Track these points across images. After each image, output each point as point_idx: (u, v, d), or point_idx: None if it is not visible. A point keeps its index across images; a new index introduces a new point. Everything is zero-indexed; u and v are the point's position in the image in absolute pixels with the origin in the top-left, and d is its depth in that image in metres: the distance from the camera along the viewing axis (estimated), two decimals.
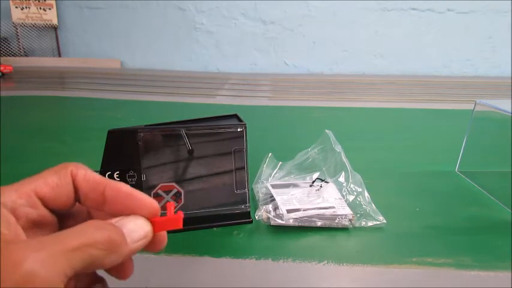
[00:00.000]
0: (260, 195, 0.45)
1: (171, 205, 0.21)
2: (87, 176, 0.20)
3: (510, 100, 0.50)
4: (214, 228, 0.40)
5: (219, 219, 0.40)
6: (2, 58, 1.66)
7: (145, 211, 0.20)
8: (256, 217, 0.41)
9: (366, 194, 0.45)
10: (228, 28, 1.76)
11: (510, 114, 0.46)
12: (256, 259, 0.35)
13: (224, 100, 1.09)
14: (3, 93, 1.08)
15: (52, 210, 0.20)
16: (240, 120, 0.41)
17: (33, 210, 0.19)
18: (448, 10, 1.68)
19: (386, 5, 1.69)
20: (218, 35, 1.77)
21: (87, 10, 1.77)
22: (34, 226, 0.19)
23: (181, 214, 0.21)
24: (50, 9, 1.73)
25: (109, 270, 0.20)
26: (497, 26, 1.68)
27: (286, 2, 1.70)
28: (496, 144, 0.54)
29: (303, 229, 0.40)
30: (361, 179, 0.47)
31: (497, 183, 0.54)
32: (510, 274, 0.34)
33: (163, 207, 0.21)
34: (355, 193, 0.45)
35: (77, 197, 0.21)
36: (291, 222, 0.39)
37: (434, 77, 1.67)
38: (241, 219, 0.41)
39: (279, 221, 0.40)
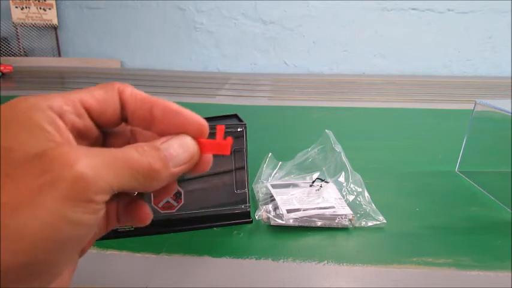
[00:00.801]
0: (260, 195, 0.45)
1: (222, 128, 0.20)
2: (135, 92, 0.20)
3: (510, 100, 0.50)
4: (214, 228, 0.40)
5: (219, 219, 0.40)
6: (2, 58, 1.66)
7: (193, 129, 0.20)
8: (256, 217, 0.41)
9: (366, 194, 0.45)
10: (228, 28, 1.76)
11: (510, 114, 0.46)
12: (256, 259, 0.35)
13: (224, 100, 1.09)
14: (3, 93, 1.08)
15: (97, 125, 0.20)
16: (240, 120, 0.41)
17: (79, 120, 0.18)
18: (448, 10, 1.68)
19: (386, 5, 1.69)
20: (218, 35, 1.77)
21: (87, 10, 1.77)
22: (79, 137, 0.19)
23: (230, 140, 0.20)
24: (50, 9, 1.73)
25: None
26: (497, 26, 1.68)
27: (286, 2, 1.70)
28: (496, 144, 0.54)
29: (303, 229, 0.40)
30: (361, 179, 0.47)
31: (497, 183, 0.54)
32: (510, 274, 0.34)
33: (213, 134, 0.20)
34: (355, 193, 0.45)
35: (124, 115, 0.20)
36: (291, 222, 0.39)
37: (434, 77, 1.67)
38: (241, 219, 0.41)
39: (279, 221, 0.40)
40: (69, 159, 0.15)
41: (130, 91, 0.20)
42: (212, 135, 0.20)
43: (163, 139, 0.19)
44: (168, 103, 0.20)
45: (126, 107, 0.20)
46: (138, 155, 0.17)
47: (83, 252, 0.20)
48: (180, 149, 0.19)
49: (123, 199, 0.21)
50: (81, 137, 0.19)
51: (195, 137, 0.20)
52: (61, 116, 0.18)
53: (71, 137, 0.18)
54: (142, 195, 0.22)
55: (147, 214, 0.21)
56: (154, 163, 0.17)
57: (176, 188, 0.21)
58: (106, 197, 0.16)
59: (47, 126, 0.16)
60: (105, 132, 0.21)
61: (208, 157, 0.21)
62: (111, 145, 0.19)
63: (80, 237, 0.16)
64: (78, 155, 0.15)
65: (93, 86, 0.20)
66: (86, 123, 0.19)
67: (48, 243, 0.14)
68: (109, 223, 0.21)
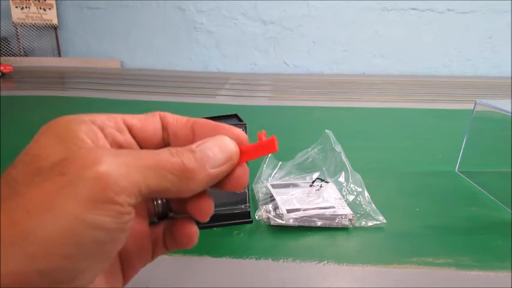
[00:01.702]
0: (260, 195, 0.45)
1: (263, 133, 0.20)
2: (176, 116, 0.20)
3: (510, 100, 0.50)
4: (214, 228, 0.40)
5: (219, 219, 0.40)
6: (2, 58, 1.66)
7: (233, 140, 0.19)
8: (256, 217, 0.41)
9: (366, 194, 0.45)
10: (228, 28, 1.76)
11: (510, 114, 0.46)
12: (256, 259, 0.35)
13: (224, 100, 1.09)
14: (3, 93, 1.08)
15: (139, 145, 0.20)
16: (240, 120, 0.41)
17: (120, 134, 0.18)
18: (448, 10, 1.68)
19: (386, 5, 1.69)
20: (218, 35, 1.77)
21: (87, 10, 1.77)
22: None
23: (274, 138, 0.20)
24: (50, 9, 1.73)
25: (187, 208, 0.19)
26: (497, 26, 1.68)
27: (286, 2, 1.70)
28: (496, 144, 0.54)
29: (303, 229, 0.40)
30: (361, 179, 0.47)
31: (497, 183, 0.54)
32: (510, 274, 0.34)
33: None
34: (355, 193, 0.45)
35: (166, 139, 0.20)
36: (291, 222, 0.39)
37: (434, 77, 1.67)
38: (241, 219, 0.41)
39: (279, 221, 0.40)
40: (90, 159, 0.14)
41: (172, 115, 0.20)
42: None
43: (200, 142, 0.18)
44: (207, 120, 0.20)
45: (169, 127, 0.20)
46: (170, 155, 0.16)
47: (126, 278, 0.20)
48: (216, 149, 0.18)
49: (170, 224, 0.21)
50: None
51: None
52: (102, 129, 0.18)
53: (107, 145, 0.18)
54: (189, 217, 0.21)
55: (192, 232, 0.20)
56: (189, 163, 0.17)
57: (212, 208, 0.20)
58: (132, 200, 0.15)
59: (82, 135, 0.16)
60: None
61: (245, 172, 0.19)
62: None
63: (102, 243, 0.15)
64: (100, 155, 0.15)
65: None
66: (127, 138, 0.19)
67: (66, 249, 0.13)
68: (155, 249, 0.21)
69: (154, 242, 0.21)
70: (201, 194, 0.19)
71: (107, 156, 0.15)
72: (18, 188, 0.14)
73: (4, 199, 0.14)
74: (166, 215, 0.21)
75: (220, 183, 0.19)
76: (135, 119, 0.19)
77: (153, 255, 0.21)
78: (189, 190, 0.17)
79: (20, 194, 0.14)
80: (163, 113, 0.20)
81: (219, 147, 0.18)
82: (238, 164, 0.19)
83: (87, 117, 0.17)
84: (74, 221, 0.13)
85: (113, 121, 0.18)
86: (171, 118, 0.20)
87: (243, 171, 0.19)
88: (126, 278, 0.20)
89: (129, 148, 0.19)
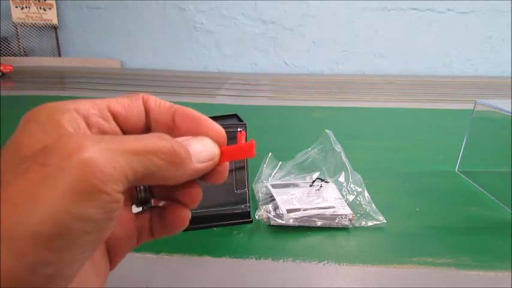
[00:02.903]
0: (260, 195, 0.45)
1: (242, 134, 0.20)
2: (158, 101, 0.20)
3: (510, 100, 0.50)
4: (214, 228, 0.40)
5: (219, 219, 0.40)
6: (2, 58, 1.66)
7: (211, 136, 0.19)
8: (256, 217, 0.41)
9: (366, 193, 0.45)
10: (228, 28, 1.76)
11: (510, 114, 0.46)
12: (256, 259, 0.35)
13: (224, 100, 1.09)
14: (3, 93, 1.08)
15: (123, 131, 0.19)
16: (240, 120, 0.41)
17: (105, 123, 0.18)
18: (448, 10, 1.68)
19: (386, 5, 1.69)
20: (218, 35, 1.77)
21: (87, 10, 1.77)
22: None
23: (253, 142, 0.20)
24: (50, 9, 1.73)
25: (176, 194, 0.20)
26: (497, 26, 1.68)
27: (286, 2, 1.70)
28: (496, 144, 0.54)
29: (303, 229, 0.40)
30: (361, 179, 0.47)
31: (497, 183, 0.54)
32: (510, 274, 0.34)
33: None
34: (355, 193, 0.45)
35: (148, 123, 0.20)
36: (291, 222, 0.39)
37: (434, 77, 1.67)
38: (241, 219, 0.41)
39: (279, 221, 0.40)
40: (72, 147, 0.14)
41: (155, 99, 0.20)
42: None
43: (183, 138, 0.19)
44: (188, 110, 0.20)
45: (150, 114, 0.20)
46: (158, 139, 0.16)
47: (113, 263, 0.20)
48: (201, 147, 0.18)
49: (156, 211, 0.21)
50: None
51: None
52: (87, 118, 0.17)
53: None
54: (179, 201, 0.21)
55: (184, 214, 0.20)
56: (178, 148, 0.16)
57: (201, 195, 0.20)
58: (119, 187, 0.14)
59: (64, 123, 0.16)
60: None
61: (225, 165, 0.20)
62: None
63: (89, 233, 0.14)
64: (83, 141, 0.14)
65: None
66: (112, 126, 0.19)
67: (52, 241, 0.13)
68: (141, 236, 0.20)
69: (141, 228, 0.20)
70: (191, 181, 0.19)
71: (89, 142, 0.14)
72: (4, 179, 0.14)
73: None
74: (148, 200, 0.21)
75: (201, 176, 0.19)
76: (119, 105, 0.19)
77: (138, 242, 0.21)
78: (174, 177, 0.17)
79: (6, 186, 0.14)
80: (146, 96, 0.20)
81: (203, 145, 0.19)
82: (219, 164, 0.19)
83: (71, 104, 0.17)
84: (59, 213, 0.13)
85: (97, 108, 0.18)
86: (153, 103, 0.20)
87: (223, 167, 0.20)
88: (112, 263, 0.20)
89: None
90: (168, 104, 0.20)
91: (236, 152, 0.20)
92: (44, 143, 0.15)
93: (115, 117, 0.19)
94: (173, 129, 0.20)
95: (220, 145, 0.20)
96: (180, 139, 0.18)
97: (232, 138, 0.39)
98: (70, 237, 0.13)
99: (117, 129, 0.19)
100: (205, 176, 0.19)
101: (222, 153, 0.19)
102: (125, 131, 0.19)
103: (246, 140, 0.20)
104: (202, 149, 0.18)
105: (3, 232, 0.13)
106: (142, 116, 0.20)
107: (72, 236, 0.13)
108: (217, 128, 0.20)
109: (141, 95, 0.20)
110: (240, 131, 0.20)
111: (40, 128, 0.16)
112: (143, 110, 0.20)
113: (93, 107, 0.18)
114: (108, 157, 0.14)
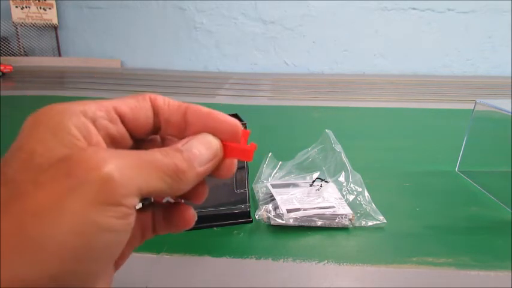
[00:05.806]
0: (260, 194, 0.45)
1: (247, 133, 0.20)
2: (167, 100, 0.19)
3: (510, 100, 0.50)
4: (214, 228, 0.40)
5: (219, 219, 0.40)
6: (2, 58, 1.66)
7: (226, 130, 0.19)
8: (256, 217, 0.41)
9: (366, 193, 0.45)
10: (228, 28, 1.76)
11: (510, 114, 0.46)
12: (256, 259, 0.35)
13: (224, 100, 1.09)
14: (3, 93, 1.08)
15: (130, 134, 0.19)
16: (240, 120, 0.41)
17: (113, 126, 0.18)
18: (448, 10, 1.68)
19: (386, 5, 1.69)
20: (218, 35, 1.77)
21: (87, 10, 1.77)
22: (113, 143, 0.18)
23: (254, 146, 0.20)
24: (50, 8, 1.73)
25: (182, 196, 0.20)
26: (497, 26, 1.68)
27: (286, 2, 1.70)
28: (496, 144, 0.54)
29: (303, 229, 0.40)
30: (361, 179, 0.47)
31: (497, 183, 0.54)
32: (510, 274, 0.34)
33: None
34: (355, 193, 0.45)
35: (156, 124, 0.19)
36: (291, 221, 0.39)
37: (434, 77, 1.67)
38: (241, 218, 0.41)
39: (279, 221, 0.40)
40: (96, 161, 0.14)
41: (163, 99, 0.19)
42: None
43: (184, 141, 0.18)
44: (199, 107, 0.19)
45: (160, 114, 0.19)
46: (162, 156, 0.16)
47: (117, 265, 0.20)
48: (202, 148, 0.18)
49: (159, 208, 0.21)
50: (114, 143, 0.18)
51: (226, 139, 0.19)
52: (94, 121, 0.17)
53: (101, 141, 0.17)
54: (181, 199, 0.21)
55: (190, 216, 0.21)
56: (181, 164, 0.17)
57: (207, 191, 0.20)
58: (135, 201, 0.15)
59: (74, 130, 0.16)
60: (137, 141, 0.20)
61: (233, 161, 0.20)
62: None
63: (111, 245, 0.15)
64: (105, 156, 0.15)
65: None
66: (119, 129, 0.18)
67: (77, 252, 0.13)
68: (144, 234, 0.20)
69: (144, 227, 0.21)
70: None
71: (112, 158, 0.15)
72: (19, 189, 0.14)
73: (5, 202, 0.14)
74: (148, 198, 0.21)
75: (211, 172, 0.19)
76: (126, 107, 0.19)
77: (142, 240, 0.21)
78: (180, 190, 0.17)
79: (24, 196, 0.14)
80: (153, 96, 0.19)
81: (204, 145, 0.18)
82: (224, 159, 0.19)
83: (77, 107, 0.17)
84: (84, 224, 0.13)
85: (104, 111, 0.18)
86: (162, 103, 0.19)
87: (230, 161, 0.20)
88: (117, 265, 0.20)
89: (121, 139, 0.19)
90: (176, 102, 0.20)
91: (237, 151, 0.20)
92: (58, 152, 0.15)
93: (122, 119, 0.19)
94: (185, 128, 0.19)
95: (234, 138, 0.19)
96: (180, 144, 0.18)
97: None
98: (94, 248, 0.14)
99: (124, 131, 0.19)
100: (213, 172, 0.19)
101: (226, 147, 0.19)
102: (132, 133, 0.19)
103: (247, 141, 0.20)
104: (203, 150, 0.18)
105: (28, 242, 0.13)
106: (150, 116, 0.19)
107: (96, 247, 0.14)
108: (232, 120, 0.19)
109: (148, 95, 0.19)
110: (245, 129, 0.20)
111: (51, 134, 0.15)
112: (151, 111, 0.19)
113: (100, 109, 0.18)
114: (129, 173, 0.15)
